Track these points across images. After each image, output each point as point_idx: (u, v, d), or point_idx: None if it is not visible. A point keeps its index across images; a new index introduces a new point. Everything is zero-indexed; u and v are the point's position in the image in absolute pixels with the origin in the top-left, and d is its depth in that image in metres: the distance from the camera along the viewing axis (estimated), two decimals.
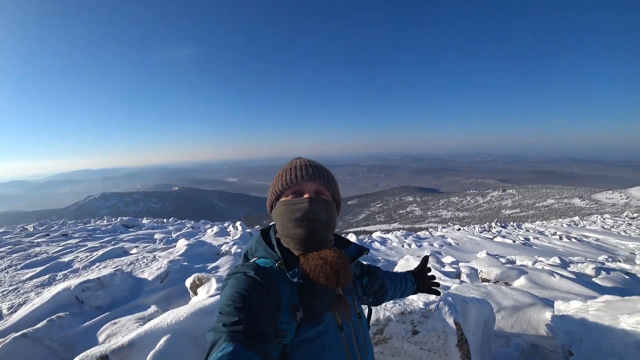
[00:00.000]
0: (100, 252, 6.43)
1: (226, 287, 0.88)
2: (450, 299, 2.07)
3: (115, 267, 5.10)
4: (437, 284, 1.58)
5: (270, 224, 1.16)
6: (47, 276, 5.18)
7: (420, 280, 1.55)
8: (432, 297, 2.07)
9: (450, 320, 1.91)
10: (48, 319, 3.39)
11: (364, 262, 1.37)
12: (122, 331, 3.27)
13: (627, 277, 5.67)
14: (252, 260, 1.03)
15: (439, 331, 1.88)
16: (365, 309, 1.25)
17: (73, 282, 4.14)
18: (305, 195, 1.03)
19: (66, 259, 6.25)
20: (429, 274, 1.58)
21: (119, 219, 15.39)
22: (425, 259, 1.58)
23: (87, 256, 6.37)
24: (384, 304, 2.08)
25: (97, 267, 5.70)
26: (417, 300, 2.04)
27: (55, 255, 6.70)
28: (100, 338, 3.23)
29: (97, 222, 14.34)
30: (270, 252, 1.02)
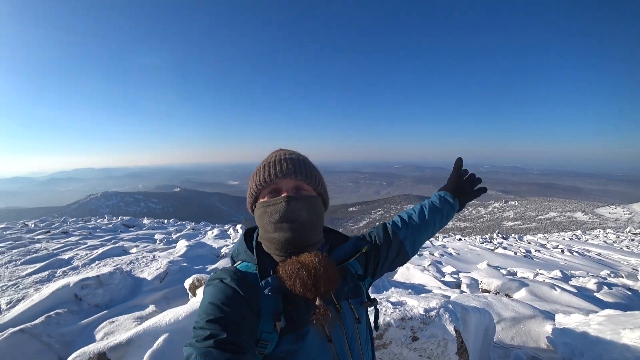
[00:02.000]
0: (100, 251, 6.43)
1: (204, 295, 0.84)
2: (450, 306, 2.05)
3: (114, 266, 5.10)
4: (479, 180, 1.34)
5: None
6: (46, 273, 5.18)
7: (459, 190, 1.31)
8: (433, 303, 2.05)
9: (450, 328, 1.88)
10: (46, 315, 3.38)
11: (375, 235, 1.18)
12: (119, 330, 3.26)
13: (629, 292, 5.61)
14: (235, 265, 0.97)
15: (438, 338, 1.85)
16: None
17: (72, 279, 4.14)
18: (283, 194, 0.93)
19: (66, 256, 6.25)
20: (465, 177, 1.33)
21: (119, 218, 15.41)
22: (457, 162, 1.34)
23: (87, 254, 6.37)
24: (383, 308, 2.02)
25: (96, 265, 5.70)
26: (418, 306, 2.02)
27: (55, 252, 6.70)
28: (98, 336, 3.23)
29: (97, 221, 14.36)
30: (251, 256, 0.95)
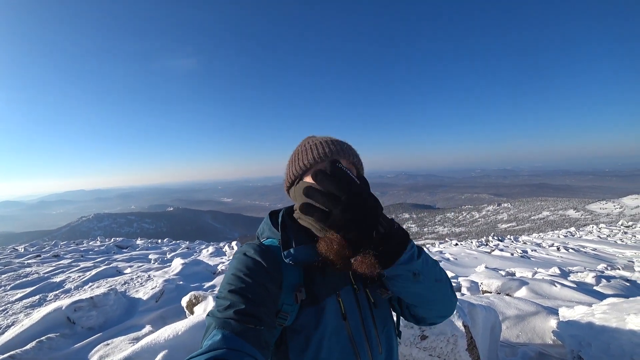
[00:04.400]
0: (93, 272, 6.28)
1: (228, 268, 0.87)
2: (457, 302, 2.01)
3: (108, 287, 4.96)
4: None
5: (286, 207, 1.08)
6: (37, 297, 5.01)
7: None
8: None
9: (459, 323, 1.84)
10: (37, 340, 3.26)
11: None
12: (115, 352, 3.15)
13: (627, 284, 5.66)
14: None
15: (447, 335, 1.81)
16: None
17: (64, 302, 4.01)
18: None
19: (57, 279, 6.08)
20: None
21: (112, 240, 15.13)
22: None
23: (79, 276, 6.21)
24: None
25: (89, 287, 5.55)
26: None
27: (46, 275, 6.52)
28: None
29: (90, 243, 14.09)
30: (275, 232, 0.97)
